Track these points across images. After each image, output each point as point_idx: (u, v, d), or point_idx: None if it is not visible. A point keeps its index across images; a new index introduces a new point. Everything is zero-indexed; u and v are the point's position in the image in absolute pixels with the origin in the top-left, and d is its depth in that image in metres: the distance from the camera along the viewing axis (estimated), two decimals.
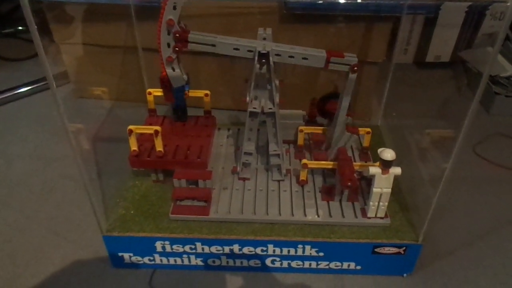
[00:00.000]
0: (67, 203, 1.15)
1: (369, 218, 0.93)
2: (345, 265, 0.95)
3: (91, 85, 1.55)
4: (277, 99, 0.89)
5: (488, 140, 1.40)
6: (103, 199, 0.98)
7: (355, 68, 0.86)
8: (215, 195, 0.98)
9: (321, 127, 1.09)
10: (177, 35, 0.83)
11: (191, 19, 1.29)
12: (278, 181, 1.02)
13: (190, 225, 0.93)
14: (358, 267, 0.95)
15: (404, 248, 0.91)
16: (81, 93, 1.59)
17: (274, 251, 0.93)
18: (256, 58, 0.82)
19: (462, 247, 1.03)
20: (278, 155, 0.98)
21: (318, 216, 0.93)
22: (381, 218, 0.93)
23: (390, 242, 0.90)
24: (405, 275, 0.96)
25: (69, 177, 1.24)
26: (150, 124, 1.06)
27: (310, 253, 0.93)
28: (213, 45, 0.85)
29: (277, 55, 0.84)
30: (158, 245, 0.93)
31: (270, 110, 0.90)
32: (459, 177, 1.12)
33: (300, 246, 0.92)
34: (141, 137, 0.99)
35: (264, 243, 0.92)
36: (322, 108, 1.10)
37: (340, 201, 0.97)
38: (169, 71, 0.88)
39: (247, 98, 0.89)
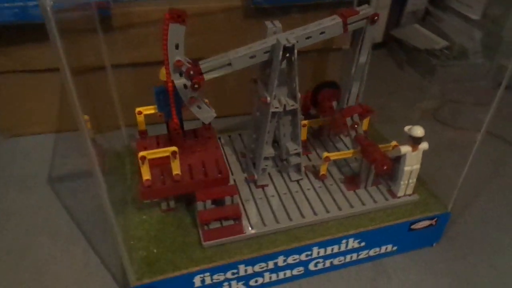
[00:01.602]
0: (52, 267, 0.95)
1: (399, 197, 0.93)
2: (383, 249, 0.95)
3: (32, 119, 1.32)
4: (298, 94, 0.84)
5: (443, 108, 1.53)
6: (113, 245, 0.83)
7: (375, 17, 0.83)
8: (240, 208, 0.89)
9: (322, 119, 1.07)
10: (191, 72, 0.73)
11: (148, 26, 1.19)
12: (297, 181, 0.98)
13: (228, 249, 0.84)
14: (394, 248, 0.95)
15: (435, 219, 0.93)
16: (15, 131, 1.34)
17: (318, 253, 0.88)
18: (281, 54, 0.76)
19: (471, 209, 1.10)
20: (298, 154, 0.94)
21: (352, 207, 0.91)
22: (409, 195, 0.94)
23: (423, 216, 0.92)
24: (434, 244, 0.99)
25: (39, 232, 1.03)
26: (145, 148, 0.93)
27: (353, 246, 0.90)
28: (229, 64, 0.77)
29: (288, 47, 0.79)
30: (197, 280, 0.81)
31: (293, 107, 0.85)
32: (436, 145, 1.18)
33: (344, 241, 0.89)
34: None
35: (309, 248, 0.86)
36: (316, 100, 1.08)
37: (365, 187, 0.96)
38: (195, 110, 0.78)
39: (267, 98, 0.82)
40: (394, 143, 0.96)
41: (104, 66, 1.01)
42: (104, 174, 0.65)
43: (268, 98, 0.82)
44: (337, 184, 0.97)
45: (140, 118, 0.93)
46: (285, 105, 0.84)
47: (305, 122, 1.02)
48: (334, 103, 1.02)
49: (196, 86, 0.76)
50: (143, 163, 0.79)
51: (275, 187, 0.96)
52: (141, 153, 0.78)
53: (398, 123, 1.42)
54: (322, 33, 0.82)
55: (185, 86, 0.76)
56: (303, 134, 1.05)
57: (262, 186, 0.95)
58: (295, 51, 0.77)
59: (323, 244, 0.87)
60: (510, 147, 1.36)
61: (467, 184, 0.90)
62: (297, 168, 0.96)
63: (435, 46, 1.72)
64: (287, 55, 0.77)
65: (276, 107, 0.84)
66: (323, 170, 0.97)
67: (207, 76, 0.77)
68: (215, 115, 0.83)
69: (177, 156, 0.80)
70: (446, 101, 1.57)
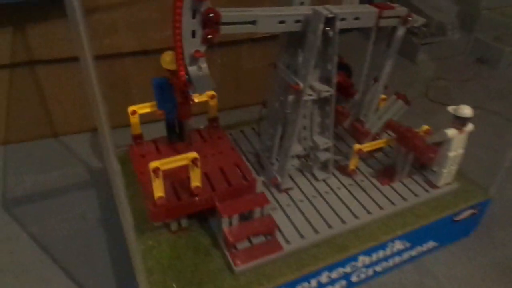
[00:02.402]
0: None
1: (439, 187, 0.83)
2: (425, 247, 0.84)
3: None
4: (335, 78, 0.70)
5: (433, 86, 1.47)
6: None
7: (408, 18, 0.74)
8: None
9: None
10: (211, 14, 0.56)
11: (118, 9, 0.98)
12: (324, 179, 0.84)
13: (264, 271, 0.68)
14: (435, 244, 0.86)
15: (478, 207, 0.85)
16: None
17: (363, 261, 0.76)
18: (321, 27, 0.62)
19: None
20: (328, 149, 0.80)
21: (394, 204, 0.79)
22: (449, 184, 0.84)
23: (467, 206, 0.83)
24: (471, 232, 0.91)
25: (32, 260, 0.81)
26: (143, 156, 0.74)
27: (398, 248, 0.79)
28: (253, 22, 0.61)
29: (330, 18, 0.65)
30: None
31: (328, 93, 0.71)
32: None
33: (390, 244, 0.77)
34: (144, 178, 0.67)
35: (355, 257, 0.74)
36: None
37: (401, 179, 0.85)
38: (193, 71, 0.60)
39: (300, 85, 0.67)
40: (425, 127, 0.86)
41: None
42: None
43: (301, 84, 0.67)
44: (368, 179, 0.85)
45: (135, 119, 0.73)
46: (319, 92, 0.69)
47: None
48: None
49: (209, 36, 0.58)
50: (157, 176, 0.60)
51: (301, 190, 0.81)
52: (154, 164, 0.59)
53: None
54: (356, 18, 0.69)
55: (193, 33, 0.58)
56: None
57: (287, 190, 0.81)
58: (337, 24, 0.63)
59: (369, 251, 0.75)
60: None
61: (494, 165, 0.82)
62: (325, 165, 0.83)
63: (414, 24, 1.66)
64: (328, 28, 0.63)
65: (310, 94, 0.69)
66: (352, 165, 0.84)
67: (223, 29, 0.60)
68: (214, 85, 0.65)
69: (199, 163, 0.63)
70: (435, 79, 1.51)
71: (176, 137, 0.76)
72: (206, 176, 0.71)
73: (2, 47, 0.97)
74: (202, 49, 0.59)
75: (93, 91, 0.37)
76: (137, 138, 0.75)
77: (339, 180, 0.84)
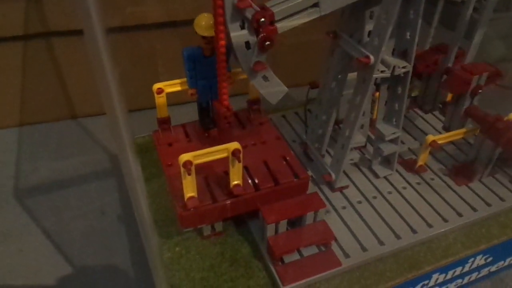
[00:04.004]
0: None
1: None
2: (507, 262, 0.69)
3: None
4: (414, 51, 0.55)
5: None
6: None
7: None
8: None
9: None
10: (262, 19, 0.43)
11: None
12: (385, 177, 0.69)
13: None
14: None
15: None
16: None
17: (437, 280, 0.61)
18: None
19: None
20: (395, 140, 0.65)
21: (476, 210, 0.64)
22: None
23: None
24: None
25: (44, 261, 0.71)
26: (170, 144, 0.61)
27: (478, 264, 0.64)
28: (315, 5, 0.47)
29: None
30: None
31: (404, 70, 0.55)
32: None
33: (471, 260, 0.62)
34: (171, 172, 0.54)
35: (428, 276, 0.59)
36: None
37: (481, 179, 0.69)
38: (261, 85, 0.47)
39: (371, 57, 0.52)
40: None
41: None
42: None
43: (372, 57, 0.52)
44: (440, 177, 0.70)
45: (161, 100, 0.60)
46: (394, 67, 0.54)
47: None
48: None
49: (267, 43, 0.45)
50: (189, 172, 0.47)
51: (358, 189, 0.67)
52: (185, 157, 0.46)
53: None
54: None
55: (247, 44, 0.46)
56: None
57: (341, 189, 0.67)
58: None
59: (446, 269, 0.60)
60: None
61: None
62: (387, 159, 0.68)
63: None
64: None
65: (382, 71, 0.54)
66: (422, 160, 0.69)
67: (281, 26, 0.47)
68: (286, 89, 0.52)
69: (241, 156, 0.49)
70: (497, 60, 1.32)
71: (210, 122, 0.63)
72: (246, 171, 0.57)
73: (15, 17, 0.86)
74: (263, 58, 0.46)
75: (104, 74, 0.24)
76: (164, 122, 0.62)
77: (404, 178, 0.70)
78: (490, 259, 0.65)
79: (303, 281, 0.54)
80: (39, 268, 0.71)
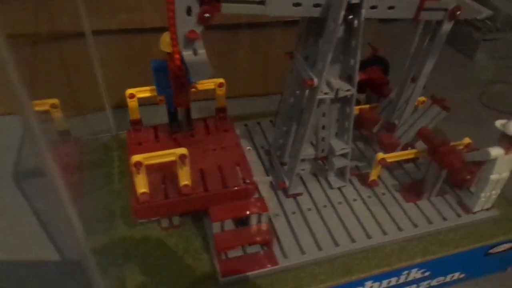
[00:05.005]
0: None
1: (475, 213, 0.71)
2: (448, 278, 0.73)
3: None
4: (357, 75, 0.60)
5: (490, 89, 1.30)
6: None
7: (457, 12, 0.62)
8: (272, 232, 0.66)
9: (367, 105, 0.83)
10: None
11: None
12: (340, 188, 0.75)
13: (255, 286, 0.61)
14: (462, 276, 0.74)
15: None
16: None
17: (371, 287, 0.66)
18: (342, 14, 0.52)
19: None
20: (346, 155, 0.70)
21: (416, 226, 0.69)
22: (487, 209, 0.72)
23: (507, 238, 0.70)
24: (508, 268, 0.78)
25: (30, 238, 0.80)
26: (139, 143, 0.69)
27: (414, 277, 0.69)
28: (262, 2, 0.52)
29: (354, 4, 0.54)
30: None
31: (348, 93, 0.61)
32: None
33: (405, 272, 0.67)
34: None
35: (361, 283, 0.65)
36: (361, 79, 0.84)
37: (429, 198, 0.74)
38: (188, 55, 0.52)
39: (314, 80, 0.58)
40: (466, 140, 0.74)
41: (83, 32, 0.75)
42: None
43: (315, 80, 0.58)
44: (391, 193, 0.75)
45: (133, 104, 0.67)
46: (337, 90, 0.60)
47: None
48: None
49: (207, 15, 0.50)
50: (138, 172, 0.54)
51: (311, 197, 0.73)
52: (135, 158, 0.54)
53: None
54: (391, 7, 0.57)
55: (188, 10, 0.50)
56: None
57: (295, 196, 0.72)
58: (363, 12, 0.53)
59: (379, 278, 0.65)
60: None
61: None
62: (341, 172, 0.73)
63: (477, 16, 1.47)
64: (350, 17, 0.53)
65: (326, 93, 0.59)
66: (374, 175, 0.74)
67: (225, 8, 0.51)
68: (213, 73, 0.56)
69: (187, 161, 0.56)
70: (494, 82, 1.33)
71: (178, 126, 0.70)
72: (201, 173, 0.64)
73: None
74: (198, 29, 0.51)
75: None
76: (136, 123, 0.70)
77: (356, 191, 0.75)
78: (428, 273, 0.69)
79: (240, 275, 0.61)
80: (25, 244, 0.80)
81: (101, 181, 0.79)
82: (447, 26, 0.64)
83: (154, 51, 0.96)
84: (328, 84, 0.60)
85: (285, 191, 0.72)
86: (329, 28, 0.54)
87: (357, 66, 0.58)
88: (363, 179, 0.76)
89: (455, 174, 0.65)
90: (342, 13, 0.52)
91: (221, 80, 0.70)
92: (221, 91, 0.71)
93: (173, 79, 0.55)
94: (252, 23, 1.06)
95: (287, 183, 0.71)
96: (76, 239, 0.38)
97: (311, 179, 0.77)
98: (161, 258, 0.64)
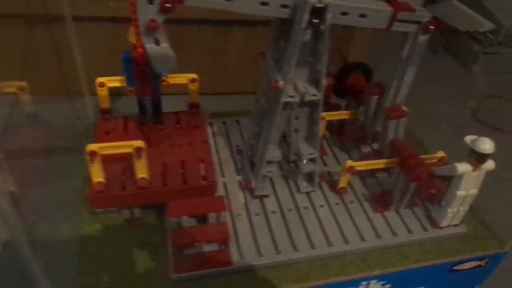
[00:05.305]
0: None
1: (442, 228, 0.70)
2: None
3: None
4: (325, 80, 0.59)
5: (484, 104, 1.27)
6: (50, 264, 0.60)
7: (430, 26, 0.61)
8: (229, 228, 0.66)
9: (346, 111, 0.82)
10: None
11: None
12: (308, 193, 0.74)
13: (206, 285, 0.61)
14: None
15: (486, 260, 0.71)
16: None
17: None
18: (306, 17, 0.51)
19: None
20: (313, 160, 0.69)
21: (380, 238, 0.68)
22: (456, 225, 0.71)
23: (472, 256, 0.69)
24: (475, 287, 0.77)
25: None
26: (107, 133, 0.69)
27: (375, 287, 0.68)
28: None
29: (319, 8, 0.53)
30: None
31: (314, 98, 0.60)
32: None
33: (364, 283, 0.66)
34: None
35: None
36: (341, 85, 0.83)
37: (397, 209, 0.72)
38: (150, 46, 0.52)
39: (280, 82, 0.57)
40: (440, 153, 0.72)
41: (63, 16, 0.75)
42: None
43: (281, 82, 0.57)
44: (360, 202, 0.74)
45: (103, 92, 0.67)
46: (303, 94, 0.59)
47: (324, 114, 0.78)
48: None
49: (168, 5, 0.49)
50: (92, 161, 0.54)
51: (278, 200, 0.72)
52: (90, 147, 0.53)
53: (431, 121, 1.18)
54: (362, 15, 0.56)
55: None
56: (321, 130, 0.80)
57: (261, 197, 0.72)
58: (328, 16, 0.52)
59: (337, 286, 0.64)
60: None
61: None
62: (310, 177, 0.72)
63: (479, 29, 1.45)
64: (315, 21, 0.52)
65: (291, 96, 0.59)
66: (343, 182, 0.73)
67: (189, 0, 0.51)
68: (174, 66, 0.56)
69: (143, 154, 0.56)
70: (490, 97, 1.31)
71: (147, 117, 0.69)
72: (164, 167, 0.64)
73: None
74: (160, 19, 0.50)
75: None
76: (105, 112, 0.69)
77: (325, 197, 0.74)
78: (388, 286, 0.68)
79: (192, 273, 0.60)
80: None
81: (72, 167, 0.79)
82: (422, 38, 0.63)
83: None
84: (295, 88, 0.59)
85: (251, 191, 0.72)
86: (294, 30, 0.53)
87: (324, 71, 0.57)
88: (334, 185, 0.75)
89: (420, 187, 0.63)
90: (306, 16, 0.51)
91: (194, 75, 0.70)
92: (193, 86, 0.71)
93: (135, 67, 0.55)
94: (245, 20, 1.05)
95: (253, 184, 0.70)
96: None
97: (281, 182, 0.76)
98: (118, 249, 0.64)
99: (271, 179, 0.75)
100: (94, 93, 0.86)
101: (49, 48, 0.94)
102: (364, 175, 0.78)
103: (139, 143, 0.55)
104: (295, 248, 0.65)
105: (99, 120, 0.70)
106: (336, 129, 0.87)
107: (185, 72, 0.71)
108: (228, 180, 0.73)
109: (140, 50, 0.53)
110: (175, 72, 0.66)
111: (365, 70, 0.83)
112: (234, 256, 0.63)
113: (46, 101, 0.80)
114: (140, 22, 0.50)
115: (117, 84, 0.67)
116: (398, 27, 0.61)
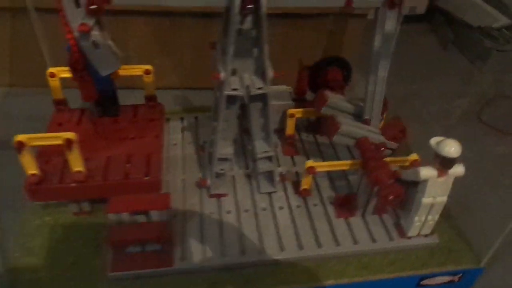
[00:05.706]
0: None
1: (410, 238, 0.64)
2: None
3: None
4: (270, 73, 0.54)
5: (491, 105, 1.18)
6: None
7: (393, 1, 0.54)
8: (178, 228, 0.63)
9: None
10: None
11: None
12: (269, 193, 0.70)
13: (146, 285, 0.58)
14: None
15: (460, 275, 0.64)
16: None
17: None
18: (239, 4, 0.47)
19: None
20: (269, 158, 0.65)
21: (339, 245, 0.63)
22: (426, 236, 0.65)
23: (442, 270, 0.63)
24: None
25: None
26: (60, 124, 0.67)
27: None
28: None
29: None
30: None
31: (260, 91, 0.56)
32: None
33: None
34: (46, 149, 0.60)
35: None
36: (316, 80, 0.78)
37: (363, 215, 0.67)
38: (88, 49, 0.50)
39: (221, 74, 0.53)
40: (413, 156, 0.66)
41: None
42: None
43: (222, 74, 0.53)
44: (324, 205, 0.69)
45: (54, 83, 0.66)
46: (248, 87, 0.55)
47: (292, 111, 0.73)
48: None
49: (94, 6, 0.47)
50: (20, 152, 0.53)
51: (235, 200, 0.68)
52: (18, 137, 0.52)
53: (429, 122, 1.11)
54: None
55: (76, 1, 0.48)
56: (290, 127, 0.76)
57: (218, 196, 0.68)
58: (263, 1, 0.47)
59: None
60: None
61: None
62: (269, 177, 0.68)
63: (493, 24, 1.34)
64: (250, 6, 0.48)
65: (234, 89, 0.55)
66: (305, 184, 0.68)
67: None
68: (119, 65, 0.54)
69: (75, 146, 0.53)
70: (498, 97, 1.21)
71: (100, 110, 0.67)
72: (107, 161, 0.61)
73: None
74: (90, 22, 0.48)
75: None
76: (59, 103, 0.68)
77: (286, 198, 0.69)
78: None
79: (130, 272, 0.58)
80: None
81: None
82: (391, 19, 0.56)
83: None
84: (240, 80, 0.55)
85: (208, 190, 0.68)
86: (230, 17, 0.49)
87: (267, 62, 0.53)
88: (297, 187, 0.70)
89: (379, 191, 0.58)
90: (239, 4, 0.47)
91: (148, 66, 0.67)
92: (148, 78, 0.68)
93: (73, 74, 0.53)
94: (204, 12, 1.00)
95: (208, 181, 0.67)
96: None
97: (244, 181, 0.72)
98: (62, 242, 0.63)
99: (234, 177, 0.72)
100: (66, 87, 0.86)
101: (15, 39, 0.94)
102: (334, 177, 0.73)
103: (69, 134, 0.52)
104: (243, 251, 0.61)
105: (54, 112, 0.69)
106: (313, 126, 0.82)
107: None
108: (187, 178, 0.70)
109: (76, 56, 0.50)
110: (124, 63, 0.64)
111: (343, 65, 0.78)
112: (178, 257, 0.60)
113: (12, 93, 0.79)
114: (72, 27, 0.48)
115: (68, 75, 0.65)
116: (360, 3, 0.54)
